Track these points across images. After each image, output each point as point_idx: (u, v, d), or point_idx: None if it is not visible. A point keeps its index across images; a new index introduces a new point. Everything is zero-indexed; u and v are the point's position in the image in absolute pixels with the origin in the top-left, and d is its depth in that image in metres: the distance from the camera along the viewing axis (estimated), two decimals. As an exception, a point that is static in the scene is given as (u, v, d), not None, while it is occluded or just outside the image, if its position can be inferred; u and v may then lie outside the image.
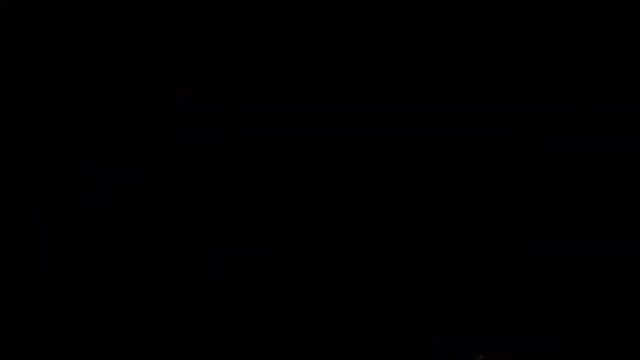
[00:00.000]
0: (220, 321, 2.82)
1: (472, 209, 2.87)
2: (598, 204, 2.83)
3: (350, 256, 2.86)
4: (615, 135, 2.84)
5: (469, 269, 2.84)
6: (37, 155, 2.84)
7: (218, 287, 2.85)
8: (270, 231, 2.89)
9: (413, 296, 2.84)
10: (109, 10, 2.89)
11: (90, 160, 2.86)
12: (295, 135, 2.88)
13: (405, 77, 2.92)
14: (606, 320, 2.77)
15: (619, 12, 2.84)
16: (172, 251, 2.87)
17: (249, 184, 2.91)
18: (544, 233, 2.84)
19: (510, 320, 2.79)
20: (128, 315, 2.80)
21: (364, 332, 2.81)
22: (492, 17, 2.88)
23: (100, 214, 2.85)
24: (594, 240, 2.81)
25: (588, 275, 2.79)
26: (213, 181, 2.92)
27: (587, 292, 2.79)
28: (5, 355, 2.75)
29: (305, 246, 2.87)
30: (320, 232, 2.88)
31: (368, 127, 2.90)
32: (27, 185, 2.83)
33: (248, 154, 2.92)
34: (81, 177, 2.85)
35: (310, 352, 2.78)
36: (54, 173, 2.84)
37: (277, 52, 2.92)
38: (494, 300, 2.82)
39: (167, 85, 2.92)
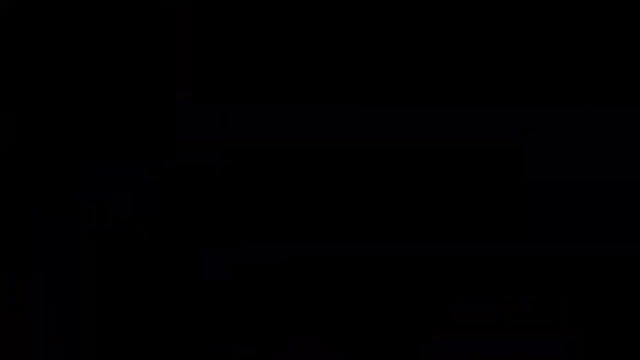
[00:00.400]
0: (220, 321, 2.82)
1: (472, 209, 2.87)
2: (598, 204, 2.83)
3: (350, 256, 2.86)
4: (615, 135, 2.84)
5: (469, 269, 2.84)
6: (37, 155, 2.84)
7: (218, 287, 2.85)
8: (270, 231, 2.88)
9: (413, 296, 2.83)
10: (108, 10, 2.89)
11: (90, 160, 2.85)
12: (295, 135, 2.88)
13: (405, 77, 2.91)
14: (606, 320, 2.77)
15: (619, 12, 2.84)
16: (172, 251, 2.87)
17: (249, 184, 2.91)
18: (544, 233, 2.84)
19: (510, 320, 2.79)
20: (128, 315, 2.80)
21: (364, 331, 2.81)
22: (492, 17, 2.88)
23: (100, 214, 2.84)
24: (594, 240, 2.81)
25: (588, 275, 2.79)
26: (213, 181, 2.91)
27: (587, 292, 2.79)
28: (5, 355, 2.75)
29: (305, 246, 2.87)
30: (320, 232, 2.88)
31: (368, 127, 2.90)
32: (27, 185, 2.83)
33: (248, 154, 2.92)
34: (81, 177, 2.84)
35: (310, 352, 2.78)
36: (54, 173, 2.84)
37: (277, 52, 2.92)
38: (494, 300, 2.82)
39: (167, 85, 2.92)
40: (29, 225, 2.81)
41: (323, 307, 2.83)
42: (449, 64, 2.90)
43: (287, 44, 2.92)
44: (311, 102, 2.89)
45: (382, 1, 2.91)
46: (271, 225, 2.88)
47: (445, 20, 2.90)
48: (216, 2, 2.92)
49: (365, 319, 2.82)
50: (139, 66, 2.91)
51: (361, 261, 2.86)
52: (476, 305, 2.81)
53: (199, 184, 2.91)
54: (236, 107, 2.92)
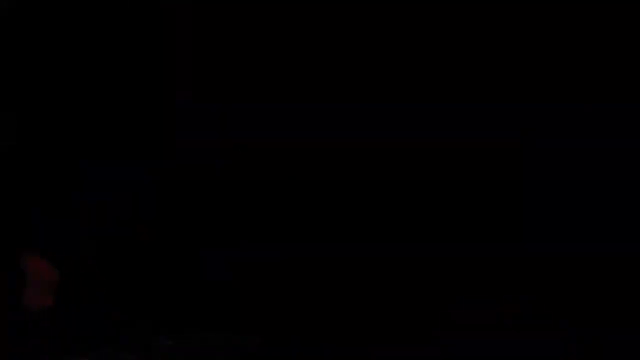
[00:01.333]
0: (220, 321, 2.82)
1: (472, 209, 2.87)
2: (598, 204, 2.83)
3: (350, 256, 2.86)
4: (615, 135, 2.84)
5: (469, 269, 2.84)
6: (37, 155, 2.84)
7: (218, 287, 2.85)
8: (270, 231, 2.89)
9: (413, 296, 2.83)
10: (109, 10, 2.89)
11: (90, 160, 2.85)
12: (295, 135, 2.88)
13: (405, 77, 2.91)
14: (606, 320, 2.77)
15: (619, 12, 2.84)
16: (172, 251, 2.87)
17: (249, 184, 2.91)
18: (544, 233, 2.84)
19: (510, 320, 2.79)
20: (129, 315, 2.80)
21: (364, 331, 2.81)
22: (492, 17, 2.88)
23: (100, 214, 2.85)
24: (594, 240, 2.81)
25: (588, 275, 2.79)
26: (213, 181, 2.92)
27: (587, 292, 2.79)
28: (6, 354, 2.75)
29: (305, 246, 2.87)
30: (320, 232, 2.88)
31: (368, 127, 2.90)
32: (27, 185, 2.83)
33: (248, 154, 2.92)
34: (81, 177, 2.85)
35: (310, 351, 2.78)
36: (54, 173, 2.84)
37: (277, 52, 2.92)
38: (494, 300, 2.82)
39: (167, 85, 2.92)
40: (29, 225, 2.81)
41: (323, 306, 2.83)
42: (448, 64, 2.90)
43: (287, 45, 2.92)
44: (311, 102, 2.89)
45: (382, 2, 2.91)
46: (271, 225, 2.88)
47: (445, 20, 2.90)
48: (216, 2, 2.92)
49: (365, 319, 2.82)
50: (139, 66, 2.91)
51: (361, 261, 2.86)
52: (476, 305, 2.81)
53: (199, 184, 2.91)
54: (236, 107, 2.92)
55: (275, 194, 2.89)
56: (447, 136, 2.88)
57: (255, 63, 2.92)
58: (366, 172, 2.90)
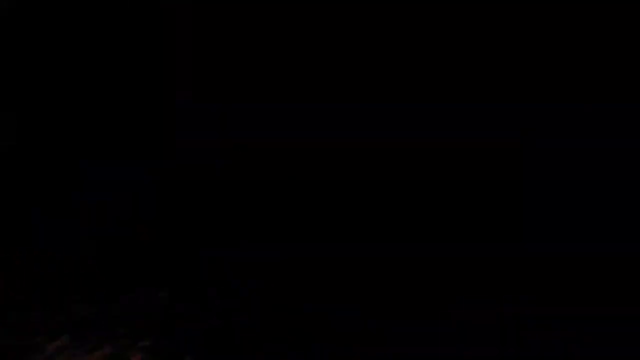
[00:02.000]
0: (221, 321, 2.83)
1: (472, 209, 2.87)
2: (598, 204, 2.83)
3: (350, 256, 2.86)
4: (615, 135, 2.84)
5: (469, 269, 2.84)
6: (37, 155, 2.85)
7: (218, 287, 2.86)
8: (270, 231, 2.89)
9: (413, 296, 2.84)
10: (109, 10, 2.89)
11: (90, 160, 2.86)
12: (295, 135, 2.88)
13: (405, 77, 2.92)
14: (606, 320, 2.77)
15: (619, 12, 2.85)
16: (172, 251, 2.87)
17: (248, 184, 2.91)
18: (544, 233, 2.84)
19: (510, 320, 2.79)
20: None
21: (364, 331, 2.81)
22: (492, 17, 2.88)
23: (100, 214, 2.85)
24: (594, 240, 2.81)
25: (588, 275, 2.79)
26: (213, 181, 2.92)
27: (587, 292, 2.79)
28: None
29: (306, 246, 2.87)
30: (320, 232, 2.88)
31: (368, 127, 2.90)
32: (27, 185, 2.83)
33: (248, 154, 2.92)
34: (81, 177, 2.85)
35: (310, 351, 2.78)
36: (54, 173, 2.84)
37: (277, 53, 2.93)
38: (494, 300, 2.82)
39: (167, 85, 2.92)
40: (29, 225, 2.82)
41: (323, 306, 2.83)
42: (449, 64, 2.91)
43: (287, 45, 2.92)
44: (311, 102, 2.90)
45: (382, 2, 2.91)
46: (271, 225, 2.89)
47: (446, 21, 2.90)
48: (216, 2, 2.93)
49: (365, 318, 2.82)
50: (139, 67, 2.91)
51: (361, 261, 2.86)
52: (476, 305, 2.81)
53: (199, 184, 2.91)
54: (236, 107, 2.93)
55: (275, 194, 2.89)
56: (447, 136, 2.88)
57: (255, 63, 2.92)
58: (366, 172, 2.90)
